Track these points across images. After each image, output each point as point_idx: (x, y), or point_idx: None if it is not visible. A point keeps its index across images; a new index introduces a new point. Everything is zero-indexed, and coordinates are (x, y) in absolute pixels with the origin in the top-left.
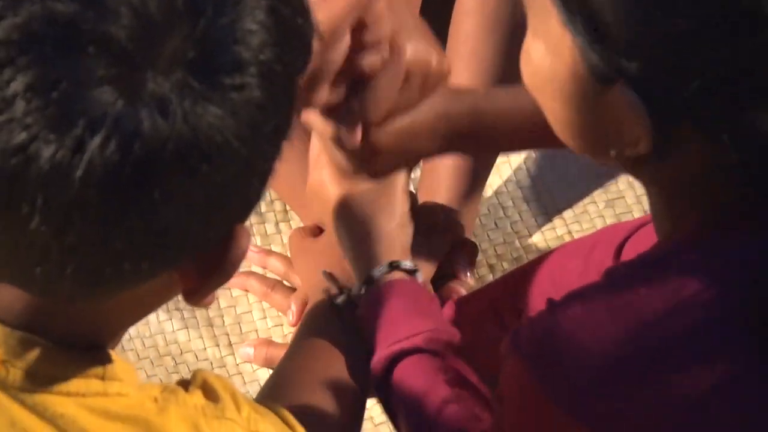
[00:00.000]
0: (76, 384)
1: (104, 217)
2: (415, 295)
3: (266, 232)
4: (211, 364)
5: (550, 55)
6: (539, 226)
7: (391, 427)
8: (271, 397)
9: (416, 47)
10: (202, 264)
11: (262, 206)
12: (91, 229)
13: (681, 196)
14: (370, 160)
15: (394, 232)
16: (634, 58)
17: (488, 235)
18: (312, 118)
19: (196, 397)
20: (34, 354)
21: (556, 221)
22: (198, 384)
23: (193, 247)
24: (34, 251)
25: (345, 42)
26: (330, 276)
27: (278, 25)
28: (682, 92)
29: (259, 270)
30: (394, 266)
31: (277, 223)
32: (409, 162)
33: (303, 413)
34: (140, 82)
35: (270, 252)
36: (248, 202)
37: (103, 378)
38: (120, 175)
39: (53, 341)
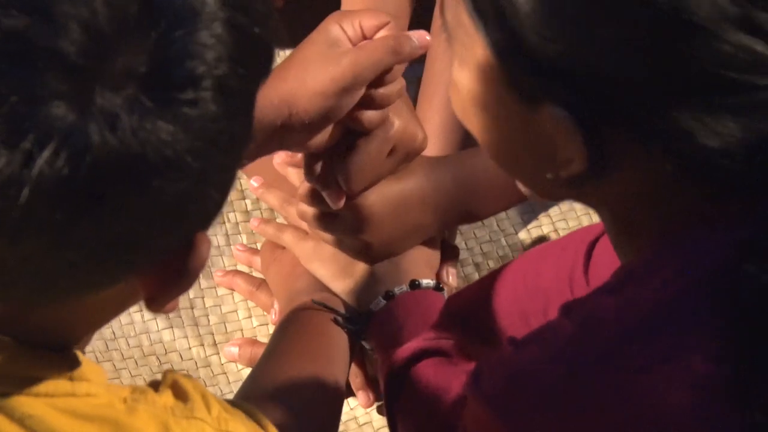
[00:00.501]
0: (44, 384)
1: (56, 228)
2: (434, 308)
3: (252, 230)
4: (196, 363)
5: (476, 82)
6: (525, 224)
7: (375, 426)
8: (247, 397)
9: (406, 122)
10: (162, 271)
11: (249, 204)
12: (44, 240)
13: (631, 213)
14: (366, 234)
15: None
16: (558, 75)
17: (474, 233)
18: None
19: (166, 397)
20: (2, 356)
21: (542, 219)
22: (168, 384)
23: (149, 255)
24: None
25: (361, 92)
26: (321, 304)
27: (236, 38)
28: (609, 105)
29: (245, 269)
30: (415, 285)
31: None
32: (409, 240)
33: (279, 413)
34: (90, 97)
35: (255, 251)
36: (206, 211)
37: (71, 378)
38: (69, 188)
39: (19, 341)
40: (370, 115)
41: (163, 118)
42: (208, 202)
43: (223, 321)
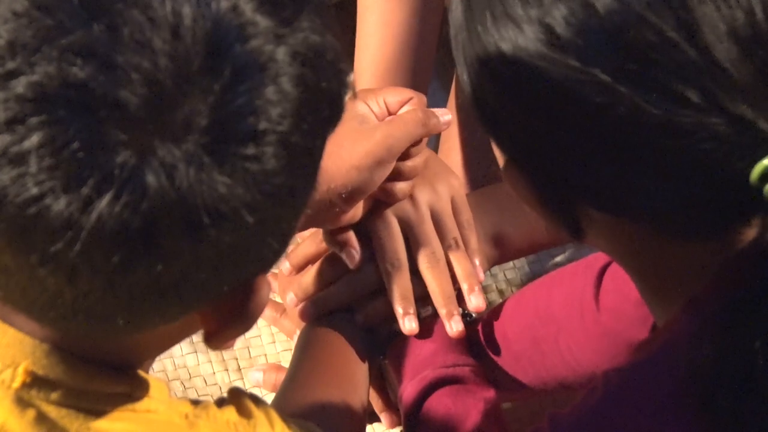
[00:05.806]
0: (104, 399)
1: (111, 270)
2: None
3: None
4: (220, 388)
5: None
6: (549, 251)
7: None
8: None
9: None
10: (222, 312)
11: None
12: (100, 281)
13: (642, 272)
14: None
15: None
16: (512, 145)
17: None
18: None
19: (229, 413)
20: (61, 367)
21: (567, 245)
22: (232, 401)
23: (205, 297)
24: (46, 295)
25: (392, 164)
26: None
27: (302, 94)
28: (554, 173)
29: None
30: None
31: None
32: None
33: None
34: (150, 147)
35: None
36: (264, 259)
37: (131, 394)
38: (125, 234)
39: (79, 357)
40: (401, 187)
41: (221, 172)
42: (266, 250)
43: (247, 346)
